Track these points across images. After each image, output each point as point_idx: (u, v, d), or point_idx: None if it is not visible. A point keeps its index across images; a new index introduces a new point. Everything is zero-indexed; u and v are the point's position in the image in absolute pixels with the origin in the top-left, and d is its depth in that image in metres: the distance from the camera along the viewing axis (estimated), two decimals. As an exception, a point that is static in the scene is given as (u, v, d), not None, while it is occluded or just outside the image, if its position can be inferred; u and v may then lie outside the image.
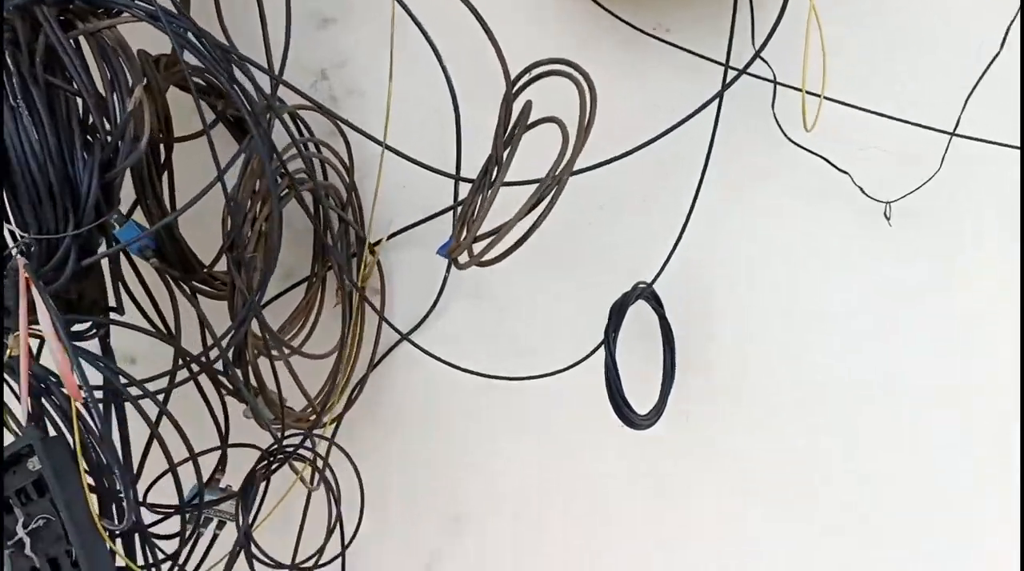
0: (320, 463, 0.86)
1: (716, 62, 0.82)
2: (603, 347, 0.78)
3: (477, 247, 0.71)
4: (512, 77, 0.74)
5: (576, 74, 0.70)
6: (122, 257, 0.77)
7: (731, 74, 0.80)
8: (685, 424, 0.89)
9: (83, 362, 0.63)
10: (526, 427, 0.93)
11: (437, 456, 0.96)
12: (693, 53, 0.82)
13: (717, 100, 0.81)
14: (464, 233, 0.69)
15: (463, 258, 0.71)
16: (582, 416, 0.89)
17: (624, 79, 0.85)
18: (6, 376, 0.67)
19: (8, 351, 0.62)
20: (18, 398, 0.64)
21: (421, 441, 0.95)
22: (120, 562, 0.67)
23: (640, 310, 0.85)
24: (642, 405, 0.82)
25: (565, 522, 0.95)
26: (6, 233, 0.64)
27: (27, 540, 0.68)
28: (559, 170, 0.67)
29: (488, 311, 0.92)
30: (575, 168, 0.69)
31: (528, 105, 0.71)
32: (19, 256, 0.60)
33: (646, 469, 0.92)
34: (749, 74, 0.80)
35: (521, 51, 0.73)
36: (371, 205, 0.90)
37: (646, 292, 0.83)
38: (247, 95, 0.73)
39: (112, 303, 0.76)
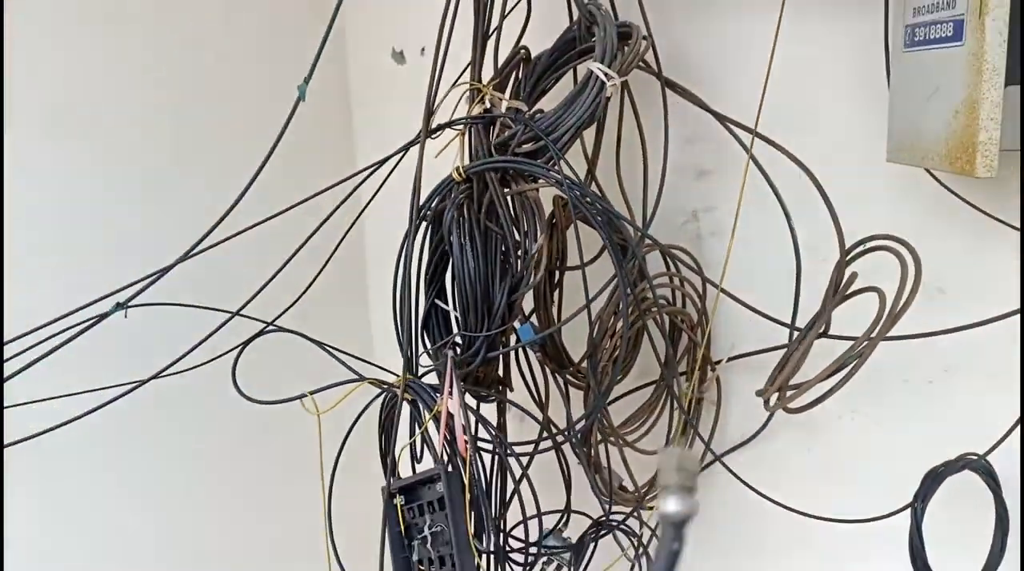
0: (641, 541, 1.02)
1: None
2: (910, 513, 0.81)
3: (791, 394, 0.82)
4: (847, 246, 0.82)
5: (904, 251, 0.76)
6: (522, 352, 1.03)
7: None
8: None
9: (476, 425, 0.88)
10: (832, 564, 0.98)
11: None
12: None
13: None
14: (777, 380, 0.80)
15: (772, 401, 0.81)
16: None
17: (976, 252, 0.87)
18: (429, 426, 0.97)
19: (436, 408, 0.91)
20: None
21: (733, 553, 1.05)
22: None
23: (973, 483, 0.85)
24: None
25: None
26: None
27: (429, 538, 0.96)
28: (871, 335, 0.74)
29: (810, 444, 1.00)
30: (891, 333, 0.76)
31: (853, 275, 0.80)
32: (450, 351, 0.89)
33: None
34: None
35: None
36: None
37: (974, 464, 0.83)
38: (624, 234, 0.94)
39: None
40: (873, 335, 0.74)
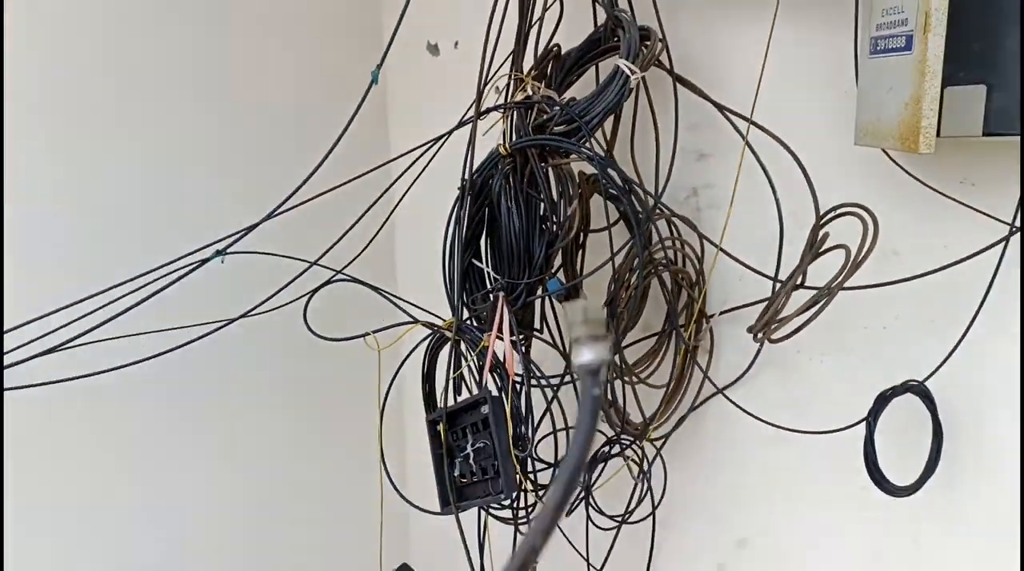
0: (644, 464, 1.23)
1: (1002, 221, 1.01)
2: (864, 425, 1.02)
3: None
4: (821, 212, 1.03)
5: (865, 215, 0.97)
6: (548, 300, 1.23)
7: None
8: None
9: (516, 357, 1.08)
10: (803, 474, 1.19)
11: (731, 485, 1.26)
12: (984, 213, 1.02)
13: (1002, 244, 1.00)
14: (764, 316, 1.00)
15: (760, 334, 1.02)
16: (845, 478, 1.13)
17: (925, 221, 1.08)
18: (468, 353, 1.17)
19: (482, 344, 1.10)
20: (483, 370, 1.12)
21: (721, 471, 1.26)
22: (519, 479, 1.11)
23: (914, 405, 1.06)
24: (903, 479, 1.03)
25: (828, 546, 1.19)
26: (487, 277, 1.13)
27: (472, 454, 1.15)
28: (834, 284, 0.95)
29: (786, 381, 1.21)
30: (849, 284, 0.97)
31: (825, 234, 1.00)
32: (501, 292, 1.08)
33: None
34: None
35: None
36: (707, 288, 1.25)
37: (915, 388, 1.04)
38: (641, 204, 1.14)
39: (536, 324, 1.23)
40: (840, 280, 0.94)
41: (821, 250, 1.00)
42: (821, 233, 1.02)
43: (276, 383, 1.53)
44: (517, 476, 1.07)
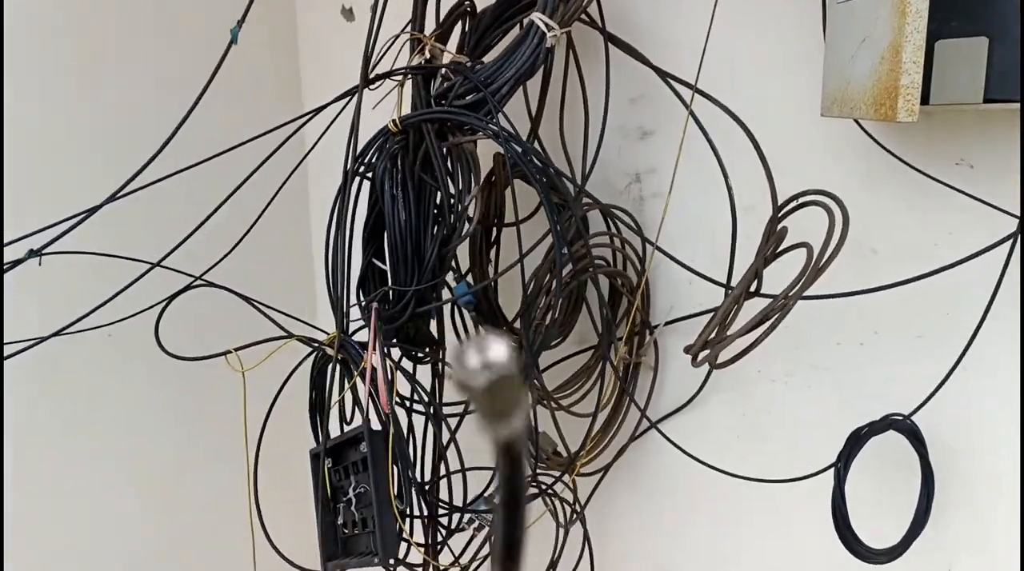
0: (574, 506, 1.01)
1: (1010, 214, 0.79)
2: (833, 472, 0.80)
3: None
4: (780, 201, 0.82)
5: (832, 205, 0.75)
6: (457, 310, 1.01)
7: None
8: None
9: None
10: (749, 523, 0.98)
11: (673, 534, 1.05)
12: (987, 203, 0.80)
13: (1011, 241, 0.79)
14: (702, 334, 0.79)
15: (701, 357, 0.80)
16: (815, 530, 0.91)
17: (910, 211, 0.87)
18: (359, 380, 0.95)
19: (362, 365, 0.88)
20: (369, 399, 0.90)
21: (663, 517, 1.05)
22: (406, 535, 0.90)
23: (899, 444, 0.85)
24: (883, 539, 0.82)
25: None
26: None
27: (353, 499, 0.94)
28: (795, 288, 0.73)
29: (743, 408, 0.99)
30: (816, 291, 0.75)
31: (783, 230, 0.79)
32: (375, 303, 0.86)
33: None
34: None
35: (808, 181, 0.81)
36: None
37: (899, 425, 0.83)
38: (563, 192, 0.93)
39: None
40: (797, 288, 0.73)
41: (779, 250, 0.79)
42: (779, 227, 0.80)
43: (136, 407, 1.26)
44: (400, 532, 0.86)
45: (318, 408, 1.02)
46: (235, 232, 1.05)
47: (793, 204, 0.81)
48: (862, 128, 0.84)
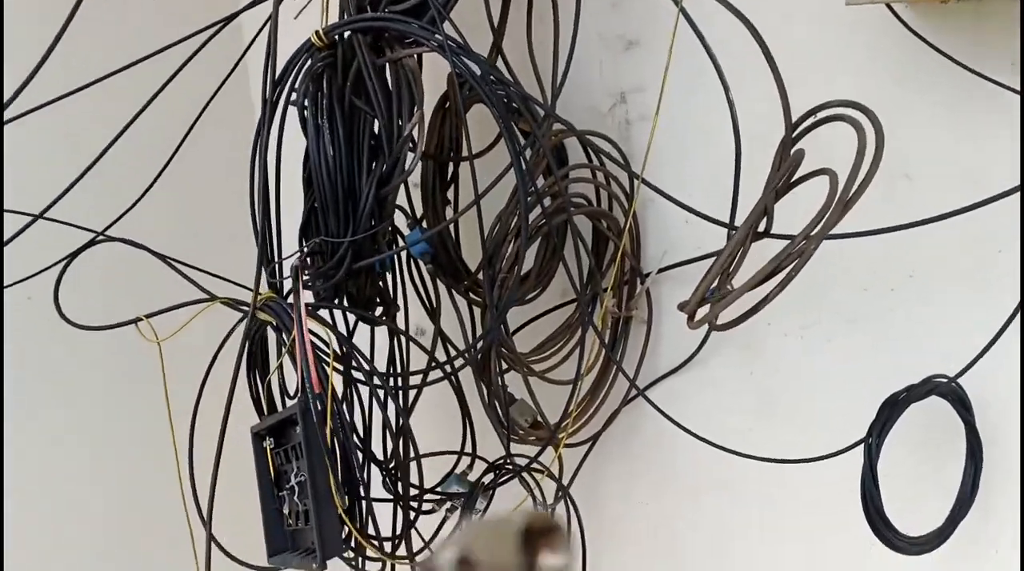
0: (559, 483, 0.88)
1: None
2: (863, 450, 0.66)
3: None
4: (794, 119, 0.65)
5: (864, 119, 0.59)
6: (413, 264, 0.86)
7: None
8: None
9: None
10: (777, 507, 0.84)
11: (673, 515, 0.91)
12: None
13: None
14: (699, 287, 0.63)
15: (699, 316, 0.65)
16: (833, 520, 0.77)
17: (954, 126, 0.70)
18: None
19: (292, 334, 0.74)
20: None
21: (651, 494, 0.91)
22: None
23: (941, 410, 0.70)
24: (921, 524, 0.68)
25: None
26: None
27: (296, 488, 0.80)
28: (816, 227, 0.58)
29: (753, 366, 0.84)
30: (845, 230, 0.59)
31: (799, 153, 0.63)
32: (295, 259, 0.71)
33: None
34: None
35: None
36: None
37: (942, 388, 0.68)
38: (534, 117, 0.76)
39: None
40: (819, 228, 0.57)
41: (794, 179, 0.62)
42: (794, 150, 0.64)
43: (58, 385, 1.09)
44: (341, 530, 0.72)
45: (255, 380, 0.88)
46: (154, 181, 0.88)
47: (811, 120, 0.64)
48: (897, 17, 0.67)
